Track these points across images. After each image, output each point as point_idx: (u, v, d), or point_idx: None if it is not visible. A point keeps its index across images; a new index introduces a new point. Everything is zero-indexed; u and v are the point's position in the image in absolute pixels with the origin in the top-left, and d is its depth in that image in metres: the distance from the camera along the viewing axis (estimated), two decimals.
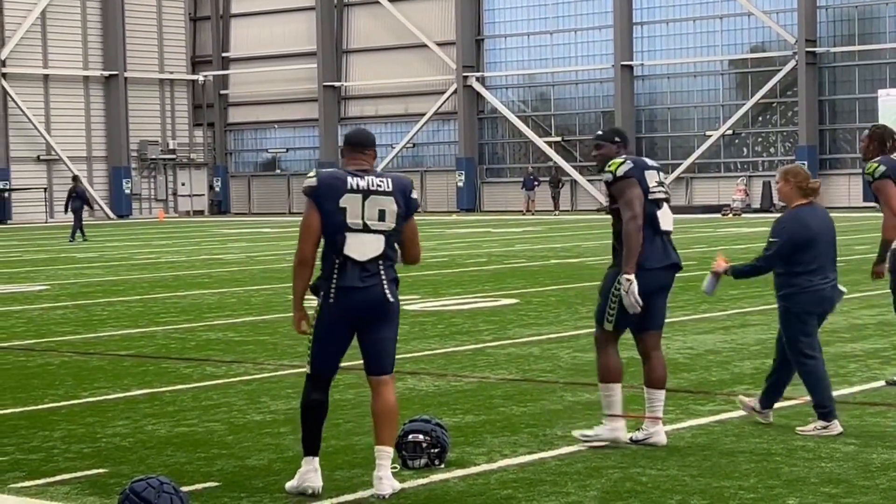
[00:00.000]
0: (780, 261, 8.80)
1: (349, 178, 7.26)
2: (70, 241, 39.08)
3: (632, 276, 8.29)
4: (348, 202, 7.20)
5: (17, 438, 9.09)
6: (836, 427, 8.61)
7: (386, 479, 7.24)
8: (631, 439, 8.41)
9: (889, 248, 10.33)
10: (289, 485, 7.39)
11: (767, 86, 54.14)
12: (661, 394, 8.59)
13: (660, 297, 8.59)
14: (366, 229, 7.23)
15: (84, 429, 9.39)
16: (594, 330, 8.68)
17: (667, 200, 8.61)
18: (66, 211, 42.77)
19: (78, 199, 41.14)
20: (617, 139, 8.63)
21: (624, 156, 8.54)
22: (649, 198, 8.41)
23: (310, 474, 7.28)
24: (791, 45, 53.52)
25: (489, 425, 9.19)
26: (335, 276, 7.23)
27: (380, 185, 7.29)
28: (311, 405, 7.39)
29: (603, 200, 57.83)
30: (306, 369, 7.45)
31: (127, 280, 23.51)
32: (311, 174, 7.32)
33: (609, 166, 8.44)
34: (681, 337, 13.69)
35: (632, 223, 8.28)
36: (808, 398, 10.02)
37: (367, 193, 7.24)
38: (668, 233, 8.54)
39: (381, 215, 7.25)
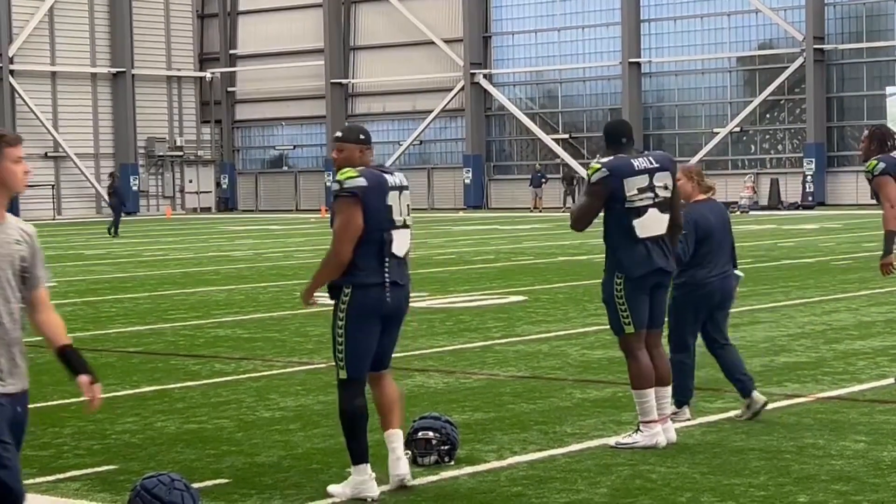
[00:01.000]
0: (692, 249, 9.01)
1: (387, 176, 7.29)
2: (114, 236, 39.73)
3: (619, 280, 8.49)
4: (392, 199, 7.24)
5: (27, 435, 9.08)
6: (686, 413, 9.04)
7: (404, 460, 7.29)
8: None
9: (893, 239, 10.33)
10: (337, 490, 7.19)
11: (775, 83, 54.06)
12: (668, 391, 8.57)
13: (658, 296, 8.53)
14: (404, 225, 7.29)
15: (94, 425, 9.40)
16: (617, 341, 8.64)
17: (660, 204, 8.37)
18: (109, 204, 43.95)
19: (115, 195, 42.04)
20: (611, 139, 8.56)
21: (606, 160, 8.42)
22: (625, 206, 8.28)
23: (367, 483, 7.13)
24: (799, 43, 53.44)
25: (498, 422, 9.19)
26: (386, 272, 7.18)
27: (403, 181, 7.40)
28: (358, 412, 7.20)
29: None
30: (341, 375, 7.23)
31: (135, 277, 23.53)
32: (354, 173, 7.18)
33: (589, 168, 8.48)
34: None
35: (573, 225, 8.51)
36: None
37: (401, 189, 7.31)
38: (655, 238, 8.35)
39: (409, 210, 7.40)
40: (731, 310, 9.45)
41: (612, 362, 11.75)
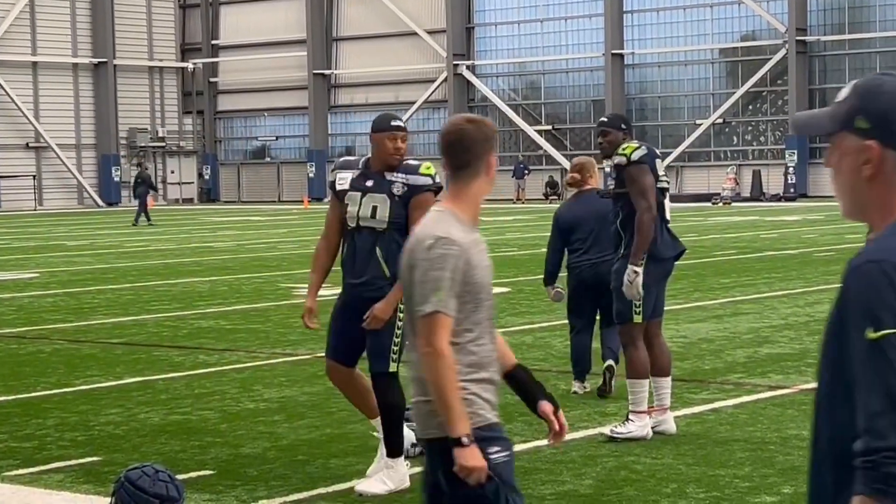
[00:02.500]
0: (554, 242, 10.11)
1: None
2: (133, 224, 40.24)
3: (640, 269, 8.23)
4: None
5: (10, 426, 9.06)
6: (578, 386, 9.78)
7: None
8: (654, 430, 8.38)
9: None
10: (377, 488, 6.99)
11: (758, 74, 54.15)
12: (668, 381, 8.55)
13: (664, 285, 8.58)
14: None
15: (77, 417, 9.37)
16: (619, 329, 8.62)
17: (668, 189, 8.66)
18: (133, 196, 44.72)
19: (143, 184, 42.40)
20: (623, 126, 8.63)
21: (636, 142, 8.54)
22: (658, 186, 8.39)
23: (406, 475, 7.09)
24: (781, 34, 53.54)
25: None
26: None
27: None
28: (404, 404, 7.05)
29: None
30: (392, 368, 7.05)
31: (117, 268, 23.46)
32: (434, 170, 7.17)
33: (623, 149, 8.39)
34: (674, 326, 13.68)
35: (647, 214, 8.22)
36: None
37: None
38: (669, 222, 8.58)
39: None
40: (714, 301, 9.48)
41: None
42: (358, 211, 7.14)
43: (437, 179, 7.06)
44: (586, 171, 10.10)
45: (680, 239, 8.71)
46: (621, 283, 8.35)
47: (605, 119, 8.73)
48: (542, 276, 10.41)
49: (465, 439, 4.20)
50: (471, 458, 4.20)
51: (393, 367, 7.09)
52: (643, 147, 8.42)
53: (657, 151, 8.61)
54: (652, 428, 8.30)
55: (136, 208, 41.99)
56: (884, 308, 2.37)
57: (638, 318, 8.37)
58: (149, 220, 40.95)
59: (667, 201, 8.52)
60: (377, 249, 7.07)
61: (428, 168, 7.18)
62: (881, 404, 2.35)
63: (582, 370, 9.93)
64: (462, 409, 4.22)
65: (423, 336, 4.25)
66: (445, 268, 4.25)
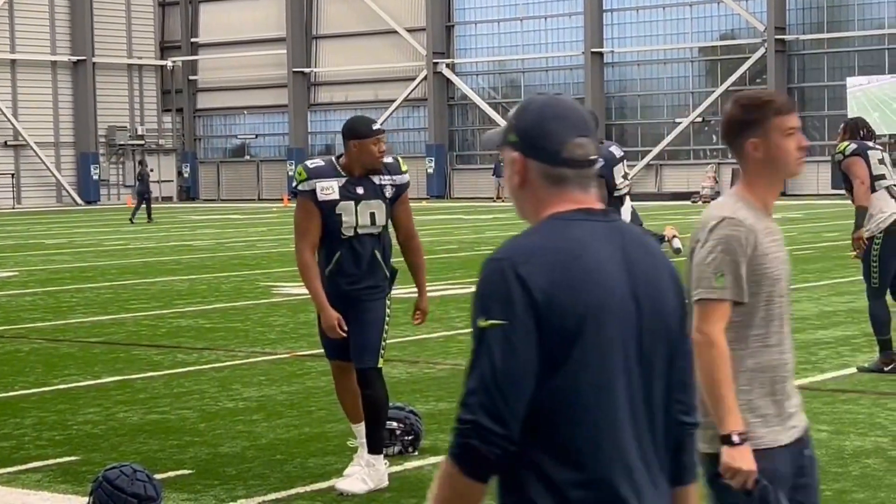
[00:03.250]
0: None
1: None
2: (147, 222, 40.67)
3: None
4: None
5: None
6: None
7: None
8: None
9: (864, 215, 10.48)
10: (357, 486, 6.95)
11: (737, 73, 54.27)
12: None
13: None
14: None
15: (55, 416, 9.34)
16: None
17: (629, 193, 8.50)
18: (135, 194, 46.40)
19: (142, 182, 43.14)
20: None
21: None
22: (614, 195, 8.29)
23: (384, 473, 7.08)
24: (760, 33, 53.67)
25: None
26: None
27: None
28: (386, 399, 7.17)
29: None
30: (380, 364, 7.15)
31: (96, 266, 23.39)
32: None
33: None
34: None
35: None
36: None
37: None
38: None
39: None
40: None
41: None
42: (356, 220, 7.12)
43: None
44: None
45: None
46: None
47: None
48: None
49: (735, 437, 3.86)
50: (739, 458, 3.85)
51: (380, 363, 7.13)
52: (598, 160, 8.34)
53: (618, 154, 8.42)
54: None
55: (136, 206, 42.63)
56: (495, 301, 2.69)
57: None
58: (132, 220, 41.21)
59: (623, 208, 8.38)
60: (376, 252, 7.12)
61: (404, 163, 7.23)
62: (475, 384, 2.73)
63: None
64: (734, 403, 3.87)
65: (696, 323, 3.89)
66: (728, 250, 3.96)
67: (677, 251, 11.00)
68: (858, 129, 10.81)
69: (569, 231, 2.78)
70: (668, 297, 2.82)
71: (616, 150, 8.49)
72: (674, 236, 10.78)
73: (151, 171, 61.47)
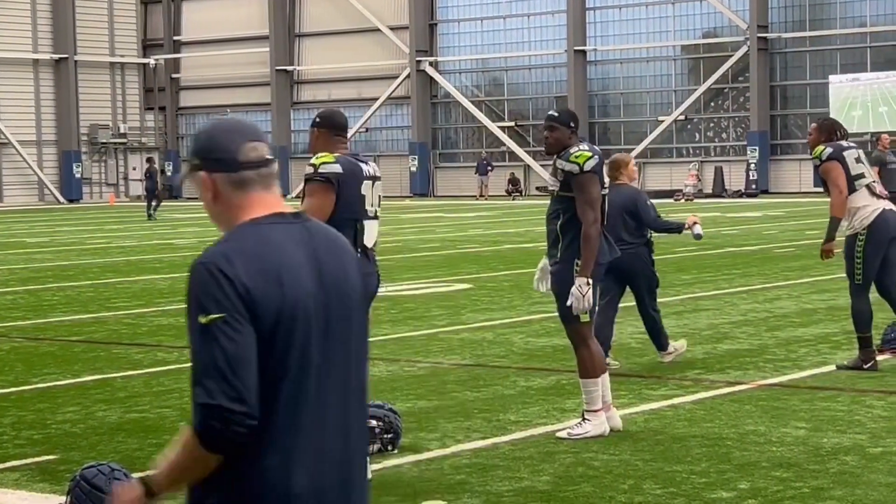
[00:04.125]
0: None
1: (362, 165, 7.23)
2: (148, 218, 41.77)
3: (591, 282, 8.11)
4: (366, 189, 7.18)
5: None
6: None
7: None
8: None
9: (837, 226, 10.51)
10: None
11: (719, 71, 54.36)
12: (608, 378, 8.49)
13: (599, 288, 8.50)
14: (375, 216, 7.23)
15: (34, 415, 9.32)
16: (565, 330, 8.42)
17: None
18: (144, 191, 48.10)
19: (150, 179, 44.17)
20: (572, 124, 8.41)
21: (587, 146, 8.37)
22: (603, 192, 8.30)
23: None
24: (743, 31, 53.76)
25: (442, 410, 9.18)
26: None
27: (376, 171, 7.36)
28: None
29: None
30: None
31: (77, 265, 23.34)
32: (329, 159, 7.10)
33: (576, 157, 8.18)
34: (634, 322, 13.71)
35: (594, 227, 8.09)
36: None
37: (374, 179, 7.26)
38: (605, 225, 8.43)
39: (380, 201, 7.34)
40: (674, 297, 9.50)
41: (556, 350, 11.78)
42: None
43: (321, 170, 7.11)
44: (617, 168, 10.80)
45: (613, 244, 8.47)
46: (562, 287, 8.22)
47: (556, 114, 8.47)
48: (503, 272, 10.46)
49: None
50: None
51: None
52: (595, 156, 8.24)
53: (600, 152, 8.46)
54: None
55: (147, 202, 43.64)
56: (209, 299, 3.04)
57: (585, 317, 8.25)
58: (153, 212, 42.55)
59: (606, 205, 8.40)
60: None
61: (317, 158, 7.20)
62: (208, 372, 3.01)
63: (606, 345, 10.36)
64: None
65: None
66: None
67: (698, 237, 11.22)
68: (834, 131, 10.78)
69: (263, 234, 3.17)
70: (353, 292, 3.23)
71: (597, 148, 8.51)
72: (694, 223, 11.03)
73: (162, 172, 61.89)
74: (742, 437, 8.12)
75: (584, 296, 8.11)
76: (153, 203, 42.91)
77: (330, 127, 7.33)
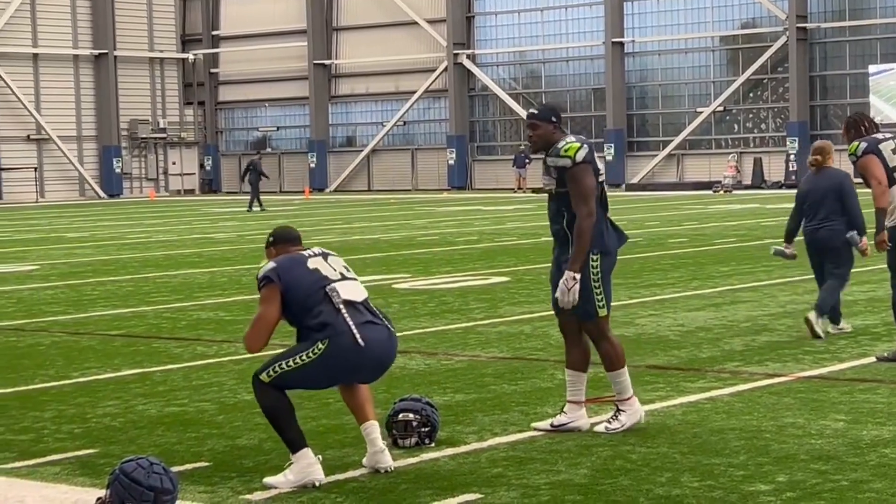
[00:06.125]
0: (794, 209, 12.56)
1: (302, 252, 7.36)
2: (248, 210, 42.43)
3: (579, 276, 8.01)
4: (316, 263, 7.29)
5: (7, 419, 9.08)
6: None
7: (387, 452, 7.29)
8: (552, 424, 8.21)
9: (884, 216, 10.51)
10: (277, 480, 7.02)
11: (758, 62, 54.09)
12: (586, 377, 8.40)
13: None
14: (344, 278, 7.30)
15: (74, 409, 9.38)
16: (584, 327, 8.25)
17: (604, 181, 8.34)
18: (241, 180, 50.31)
19: (254, 171, 44.41)
20: (554, 118, 8.24)
21: (574, 137, 8.27)
22: (598, 180, 8.20)
23: (313, 468, 7.03)
24: (782, 21, 53.47)
25: (480, 404, 9.19)
26: (346, 319, 7.12)
27: (330, 251, 7.48)
28: (283, 404, 7.16)
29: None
30: (263, 377, 7.20)
31: (118, 260, 23.48)
32: (262, 264, 7.38)
33: (566, 150, 8.05)
34: (671, 314, 13.69)
35: (587, 220, 7.98)
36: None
37: (325, 255, 7.39)
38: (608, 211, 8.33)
39: (347, 268, 7.42)
40: (713, 289, 9.46)
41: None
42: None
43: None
44: (826, 153, 12.11)
45: (621, 228, 8.36)
46: (581, 279, 8.11)
47: (535, 111, 8.29)
48: (541, 265, 10.45)
49: None
50: None
51: (265, 378, 7.22)
52: (584, 146, 8.10)
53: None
54: (564, 424, 8.17)
55: (251, 195, 44.15)
56: None
57: (603, 312, 8.14)
58: (261, 206, 43.16)
59: (604, 194, 8.27)
60: None
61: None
62: None
63: (833, 313, 12.01)
64: None
65: None
66: None
67: (851, 241, 11.95)
68: (860, 125, 10.86)
69: None
70: None
71: (579, 154, 8.22)
72: (862, 235, 11.80)
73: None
74: (780, 429, 8.09)
75: (569, 289, 8.01)
76: (257, 197, 43.45)
77: (276, 242, 7.50)
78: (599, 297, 8.15)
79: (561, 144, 8.14)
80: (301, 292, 7.15)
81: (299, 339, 7.27)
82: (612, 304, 8.43)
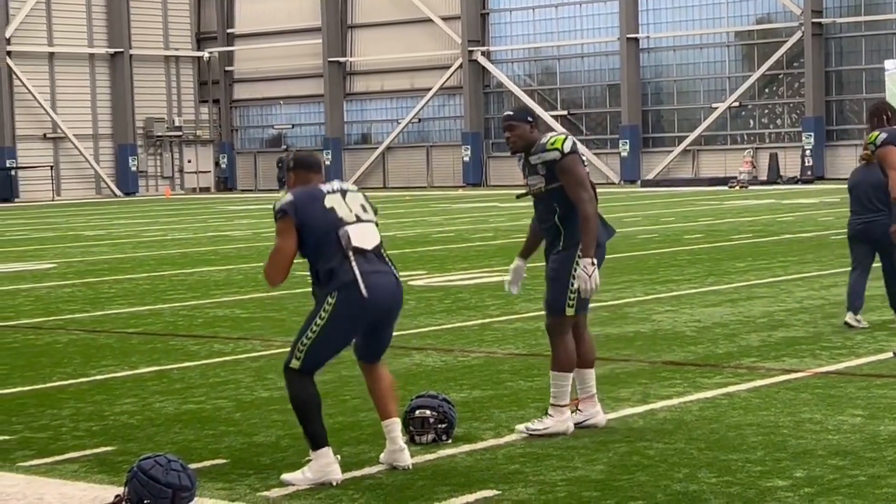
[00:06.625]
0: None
1: (321, 186, 7.31)
2: None
3: (595, 261, 7.98)
4: (333, 202, 7.23)
5: (25, 417, 9.11)
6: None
7: (407, 450, 7.29)
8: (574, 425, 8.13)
9: None
10: (295, 477, 7.03)
11: (774, 57, 53.99)
12: (593, 372, 8.40)
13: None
14: (359, 220, 7.25)
15: (92, 407, 9.41)
16: (546, 320, 8.28)
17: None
18: (279, 182, 51.37)
19: (282, 170, 44.51)
20: (530, 118, 8.21)
21: (555, 132, 8.24)
22: (585, 170, 8.19)
23: (332, 467, 7.03)
24: (797, 17, 53.35)
25: (496, 400, 9.20)
26: (353, 267, 7.10)
27: (350, 186, 7.41)
28: (310, 399, 7.14)
29: (615, 176, 57.66)
30: (293, 364, 7.17)
31: (134, 257, 23.54)
32: (281, 195, 7.33)
33: (552, 143, 8.04)
34: (688, 310, 13.68)
35: (590, 205, 7.96)
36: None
37: (343, 192, 7.31)
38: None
39: (364, 208, 7.34)
40: (728, 284, 9.44)
41: (609, 339, 11.76)
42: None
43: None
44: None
45: (608, 223, 8.33)
46: (558, 273, 8.12)
47: (510, 113, 8.26)
48: None
49: None
50: None
51: (294, 364, 7.18)
52: (569, 137, 8.10)
53: (567, 147, 8.21)
54: (582, 422, 8.14)
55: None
56: None
57: (570, 311, 8.08)
58: None
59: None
60: None
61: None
62: None
63: (855, 305, 12.07)
64: None
65: None
66: None
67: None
68: (882, 114, 10.85)
69: None
70: None
71: (566, 145, 8.13)
72: None
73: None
74: (798, 425, 8.08)
75: (590, 276, 7.96)
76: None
77: (296, 166, 7.44)
78: (572, 296, 8.09)
79: (545, 140, 8.14)
80: (314, 231, 7.15)
81: (313, 278, 7.24)
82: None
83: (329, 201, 7.22)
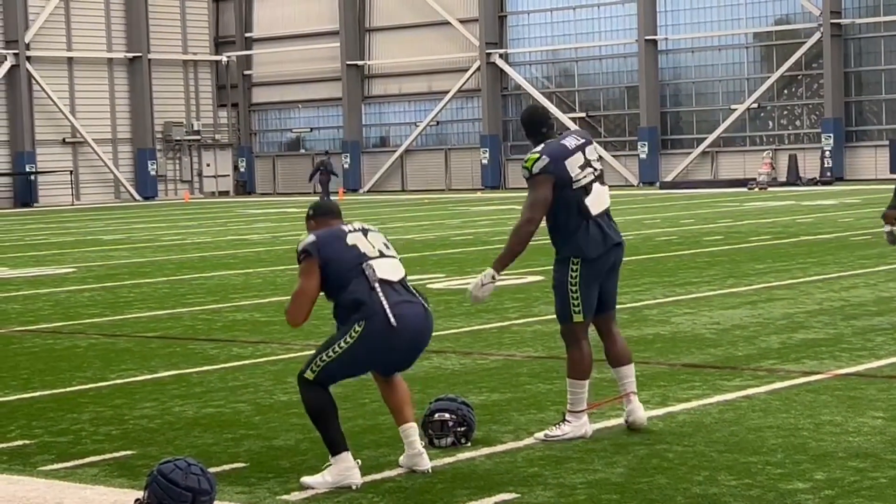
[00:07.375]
0: None
1: (343, 226, 7.35)
2: None
3: (496, 275, 8.09)
4: (356, 239, 7.28)
5: (45, 421, 9.14)
6: None
7: (425, 454, 7.29)
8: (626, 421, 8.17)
9: None
10: (315, 480, 7.05)
11: (793, 58, 53.86)
12: (632, 369, 8.41)
13: (609, 280, 8.28)
14: (382, 255, 7.29)
15: (112, 411, 9.43)
16: (560, 328, 8.33)
17: (599, 178, 8.25)
18: (310, 180, 54.36)
19: (326, 172, 46.14)
20: (544, 128, 8.29)
21: (539, 148, 8.12)
22: (574, 188, 8.13)
23: (352, 471, 7.03)
24: (816, 17, 53.21)
25: (515, 403, 9.19)
26: (381, 297, 7.10)
27: (371, 227, 7.46)
28: (328, 406, 7.14)
29: (632, 179, 57.61)
30: (307, 375, 7.18)
31: (153, 262, 23.58)
32: (302, 237, 7.36)
33: (525, 162, 8.13)
34: (707, 312, 13.65)
35: (526, 226, 8.12)
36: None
37: (365, 231, 7.36)
38: (602, 214, 8.20)
39: (387, 245, 7.40)
40: (748, 287, 9.41)
41: (628, 341, 11.69)
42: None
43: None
44: None
45: (611, 233, 8.22)
46: (557, 286, 8.20)
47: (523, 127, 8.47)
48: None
49: None
50: None
51: (309, 376, 7.18)
52: (543, 157, 8.06)
53: (571, 145, 8.13)
54: (625, 419, 8.15)
55: (321, 195, 45.88)
56: None
57: (578, 318, 8.12)
58: None
59: (590, 197, 8.16)
60: None
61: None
62: None
63: None
64: None
65: None
66: None
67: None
68: None
69: None
70: None
71: (570, 141, 8.11)
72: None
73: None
74: (818, 427, 8.05)
75: (482, 286, 8.07)
76: (327, 196, 44.28)
77: (315, 215, 7.50)
78: (576, 303, 8.13)
79: (527, 155, 8.22)
80: (338, 267, 7.17)
81: (335, 317, 7.27)
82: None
83: (351, 239, 7.26)
